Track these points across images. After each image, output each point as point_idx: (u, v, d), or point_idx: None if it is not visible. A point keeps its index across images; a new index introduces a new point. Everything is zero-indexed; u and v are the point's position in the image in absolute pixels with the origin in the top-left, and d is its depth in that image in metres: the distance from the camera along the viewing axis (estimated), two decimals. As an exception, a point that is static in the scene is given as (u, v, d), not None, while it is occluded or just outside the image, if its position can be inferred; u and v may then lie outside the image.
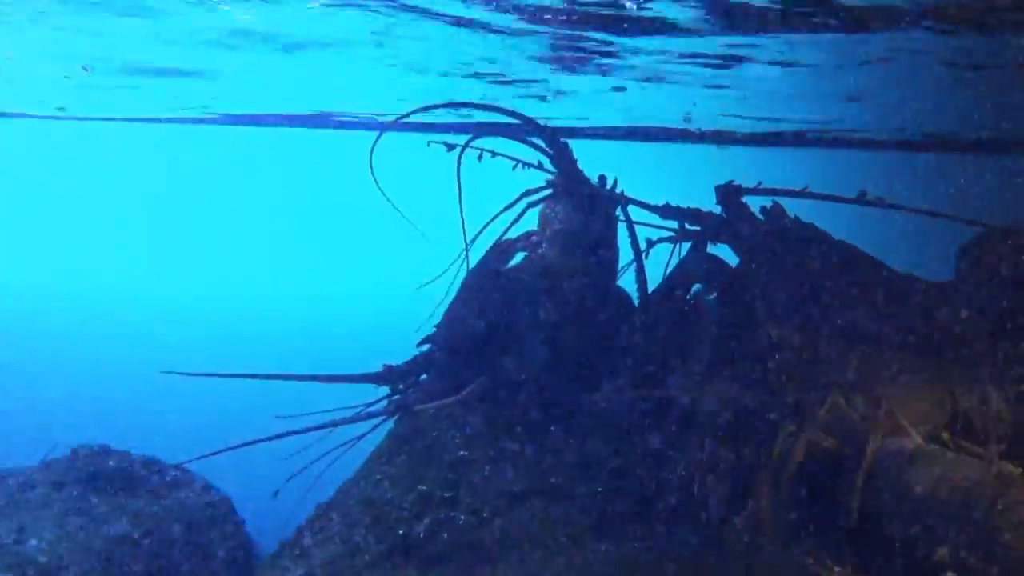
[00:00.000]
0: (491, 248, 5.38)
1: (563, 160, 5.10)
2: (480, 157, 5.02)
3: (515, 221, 5.13)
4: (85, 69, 8.73)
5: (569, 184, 5.10)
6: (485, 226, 5.12)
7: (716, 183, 4.96)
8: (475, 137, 4.94)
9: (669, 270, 5.24)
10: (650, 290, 5.32)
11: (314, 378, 5.25)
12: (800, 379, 4.69)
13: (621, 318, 5.20)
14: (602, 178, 5.26)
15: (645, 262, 5.20)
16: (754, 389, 4.72)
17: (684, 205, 5.08)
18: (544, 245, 5.23)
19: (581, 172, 5.17)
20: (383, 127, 4.83)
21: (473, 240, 4.94)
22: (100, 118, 13.64)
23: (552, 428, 5.09)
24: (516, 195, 5.11)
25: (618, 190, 5.27)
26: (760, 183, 4.86)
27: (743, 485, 4.49)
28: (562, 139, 5.10)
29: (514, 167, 5.06)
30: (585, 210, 5.09)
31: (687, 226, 5.13)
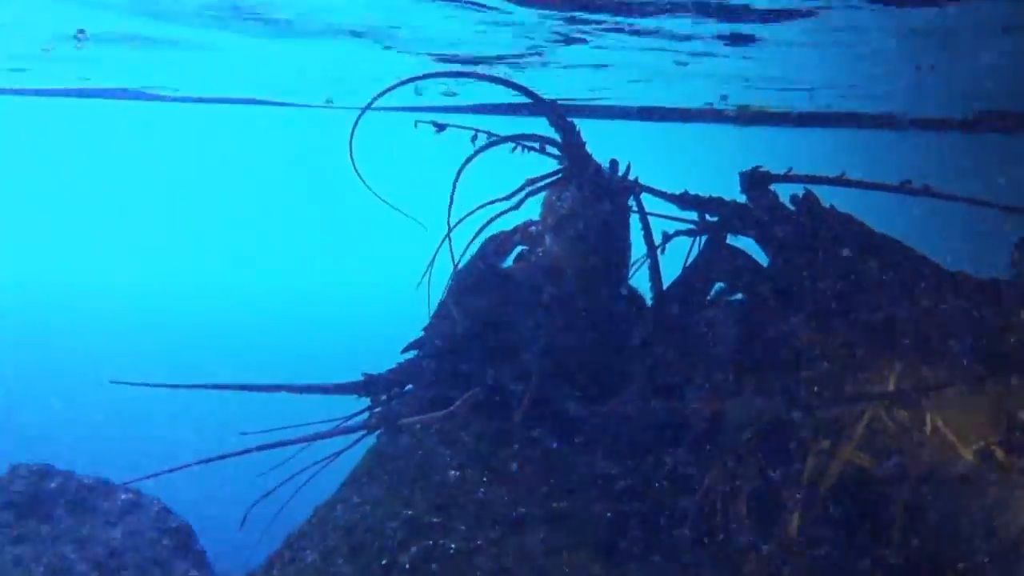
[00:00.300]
0: (486, 242, 4.86)
1: (571, 142, 4.58)
2: (474, 139, 4.50)
3: (510, 210, 4.59)
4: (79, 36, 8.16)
5: (577, 170, 4.58)
6: (470, 213, 4.59)
7: (740, 169, 4.48)
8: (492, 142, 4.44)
9: (687, 267, 4.75)
10: (666, 289, 4.79)
11: (285, 388, 4.72)
12: (835, 390, 4.29)
13: (633, 322, 4.68)
14: (613, 163, 4.74)
15: (660, 258, 4.68)
16: (783, 401, 4.29)
17: (703, 193, 4.58)
18: (547, 238, 4.71)
19: (590, 156, 4.66)
20: (364, 107, 4.29)
21: (454, 227, 4.39)
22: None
23: (555, 445, 4.61)
24: (519, 183, 4.60)
25: (631, 177, 4.76)
26: (790, 169, 4.39)
27: (770, 510, 4.17)
28: (569, 119, 4.58)
29: (513, 149, 4.55)
30: (595, 200, 4.57)
31: (708, 217, 4.63)
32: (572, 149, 4.59)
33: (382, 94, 4.32)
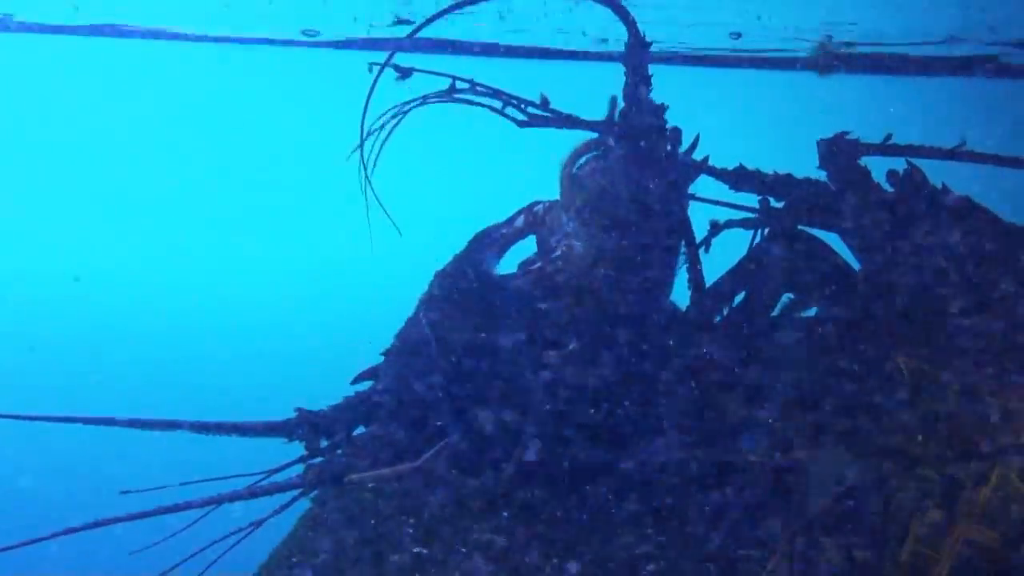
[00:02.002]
0: (475, 237, 3.75)
1: (637, 92, 3.43)
2: (452, 87, 3.37)
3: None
4: None
5: (630, 136, 3.42)
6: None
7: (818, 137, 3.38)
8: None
9: (736, 268, 3.64)
10: (711, 301, 3.66)
11: (189, 426, 3.56)
12: (949, 440, 3.41)
13: (671, 347, 3.54)
14: (677, 132, 3.57)
15: (705, 257, 3.56)
16: (875, 454, 3.43)
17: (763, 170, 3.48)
18: (567, 223, 3.53)
19: (658, 115, 3.49)
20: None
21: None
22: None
23: (559, 512, 3.59)
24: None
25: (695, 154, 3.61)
26: (890, 136, 3.29)
27: (858, 607, 3.33)
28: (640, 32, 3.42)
29: (503, 107, 3.42)
30: (648, 174, 3.41)
31: (771, 203, 3.53)
32: (638, 102, 3.41)
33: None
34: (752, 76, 8.15)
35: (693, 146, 3.68)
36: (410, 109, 3.54)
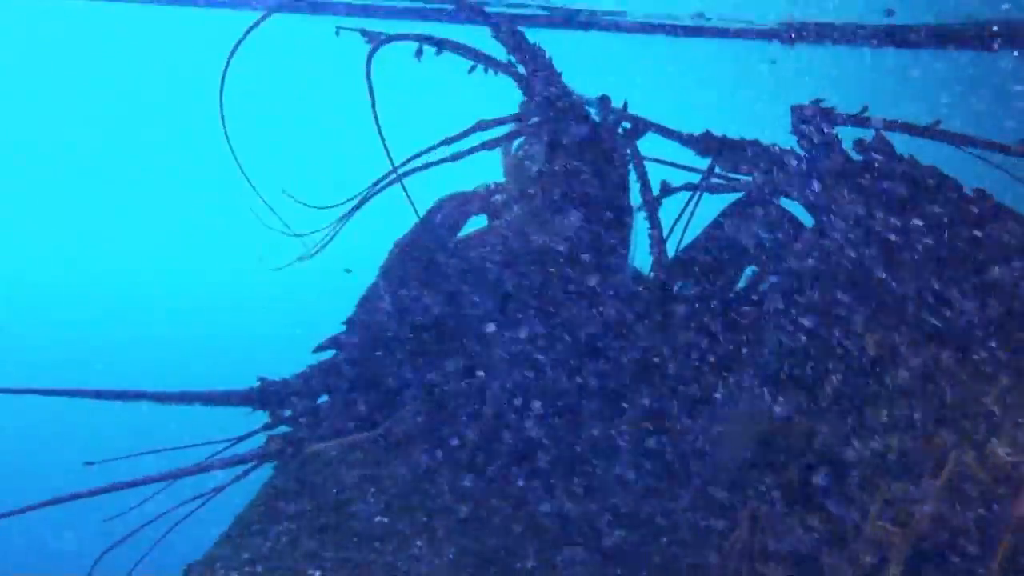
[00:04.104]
0: (434, 206, 3.69)
1: (540, 70, 3.39)
2: (419, 53, 3.31)
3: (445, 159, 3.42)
4: None
5: (552, 109, 3.38)
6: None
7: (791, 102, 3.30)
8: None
9: (704, 237, 3.58)
10: (675, 270, 3.62)
11: (151, 396, 3.55)
12: (914, 416, 3.34)
13: (634, 315, 3.50)
14: (605, 100, 3.53)
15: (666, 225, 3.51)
16: (841, 428, 3.38)
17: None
18: (515, 205, 3.50)
19: (568, 90, 3.46)
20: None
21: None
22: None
23: (520, 483, 3.58)
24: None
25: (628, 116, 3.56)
26: (866, 108, 3.21)
27: (821, 577, 3.35)
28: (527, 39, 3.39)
29: (471, 69, 3.36)
30: (580, 151, 3.37)
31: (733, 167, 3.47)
32: (543, 78, 3.37)
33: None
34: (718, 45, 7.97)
35: (624, 110, 3.64)
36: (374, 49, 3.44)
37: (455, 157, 3.55)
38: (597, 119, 3.70)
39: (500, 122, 3.67)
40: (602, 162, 3.65)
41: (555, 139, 3.62)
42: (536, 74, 3.57)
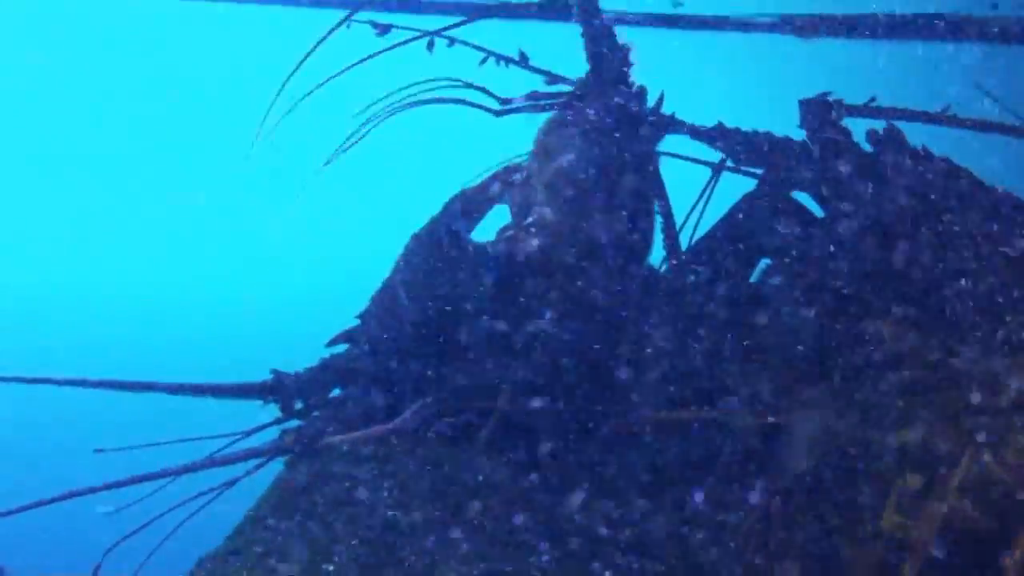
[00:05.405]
0: (451, 199, 3.71)
1: (599, 52, 3.39)
2: (430, 46, 3.34)
3: None
4: None
5: (601, 97, 3.38)
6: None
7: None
8: None
9: (716, 230, 3.60)
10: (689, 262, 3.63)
11: (163, 388, 3.55)
12: (927, 410, 3.30)
13: (647, 309, 3.51)
14: (642, 91, 3.55)
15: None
16: (852, 423, 3.36)
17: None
18: (538, 193, 3.51)
19: (624, 76, 3.46)
20: None
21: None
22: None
23: (534, 476, 3.57)
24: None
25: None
26: (873, 99, 3.24)
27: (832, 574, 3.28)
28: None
29: (482, 61, 3.40)
30: (618, 142, 3.37)
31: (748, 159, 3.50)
32: (600, 62, 3.37)
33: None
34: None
35: (659, 104, 3.67)
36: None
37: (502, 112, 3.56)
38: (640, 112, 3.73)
39: (554, 96, 3.69)
40: (641, 152, 3.68)
41: (605, 121, 3.63)
42: (605, 54, 3.58)
